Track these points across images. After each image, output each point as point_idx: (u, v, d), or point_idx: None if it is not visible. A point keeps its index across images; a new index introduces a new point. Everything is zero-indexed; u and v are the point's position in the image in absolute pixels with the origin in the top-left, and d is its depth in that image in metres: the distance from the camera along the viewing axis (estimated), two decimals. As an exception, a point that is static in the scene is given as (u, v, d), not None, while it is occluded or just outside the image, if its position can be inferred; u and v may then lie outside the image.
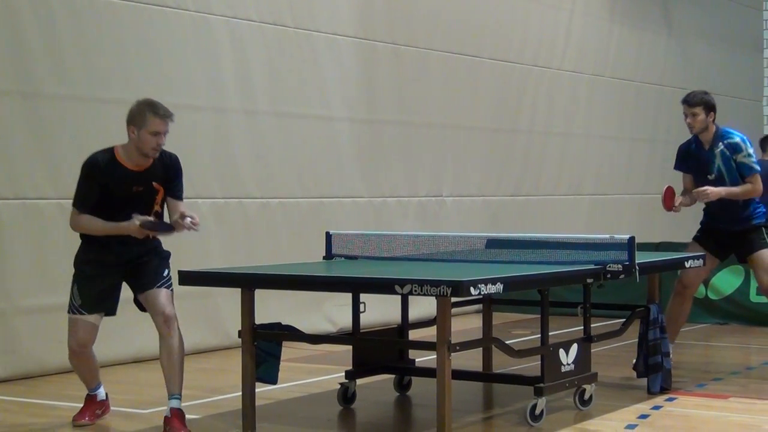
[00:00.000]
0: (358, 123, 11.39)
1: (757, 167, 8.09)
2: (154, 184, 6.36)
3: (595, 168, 15.08)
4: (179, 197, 6.46)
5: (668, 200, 8.06)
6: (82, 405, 6.69)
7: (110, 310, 6.49)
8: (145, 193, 6.34)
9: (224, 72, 9.99)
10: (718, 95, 18.13)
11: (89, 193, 6.27)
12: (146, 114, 6.23)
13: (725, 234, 8.26)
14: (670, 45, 16.82)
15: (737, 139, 8.07)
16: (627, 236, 6.93)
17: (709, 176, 8.11)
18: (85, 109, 8.83)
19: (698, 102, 8.03)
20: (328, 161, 11.02)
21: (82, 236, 6.44)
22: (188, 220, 6.25)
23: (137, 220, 6.17)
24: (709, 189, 7.98)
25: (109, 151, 6.33)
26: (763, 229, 8.22)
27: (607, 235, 7.31)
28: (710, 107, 8.04)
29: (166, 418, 6.24)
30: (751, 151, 8.07)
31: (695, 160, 8.21)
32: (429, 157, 12.28)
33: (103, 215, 6.26)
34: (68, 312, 6.43)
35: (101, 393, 6.73)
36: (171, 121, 6.32)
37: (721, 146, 8.07)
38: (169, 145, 9.85)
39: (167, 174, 6.41)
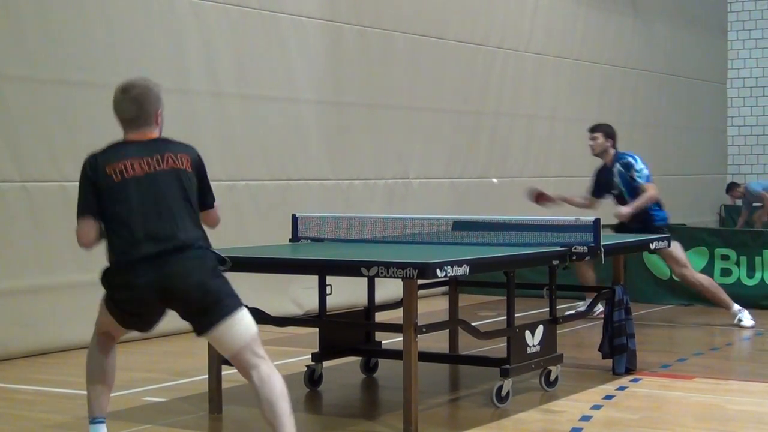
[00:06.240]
0: (325, 105, 11.36)
1: (648, 178, 9.76)
2: None
3: (560, 150, 15.12)
4: None
5: (543, 200, 10.32)
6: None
7: None
8: None
9: (189, 54, 9.94)
10: (682, 78, 18.39)
11: None
12: None
13: (635, 231, 9.40)
14: (635, 27, 16.88)
15: (629, 159, 9.86)
16: (592, 218, 6.97)
17: (613, 191, 9.93)
18: (48, 92, 8.76)
19: (598, 129, 10.04)
20: (294, 143, 10.99)
21: None
22: None
23: None
24: (623, 210, 9.64)
25: None
26: (664, 229, 9.58)
27: (573, 217, 7.34)
28: (609, 134, 9.97)
29: None
30: (640, 166, 9.77)
31: (603, 179, 10.02)
32: (395, 139, 12.27)
33: None
34: None
35: None
36: None
37: (618, 166, 9.84)
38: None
39: None
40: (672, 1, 17.97)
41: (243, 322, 5.02)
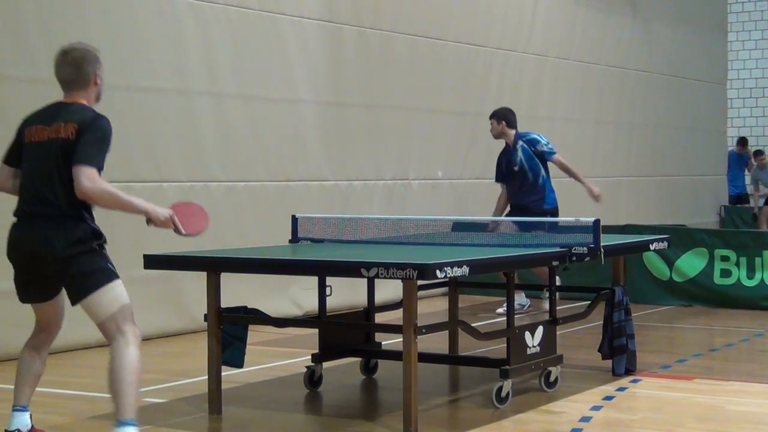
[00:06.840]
0: (324, 106, 11.36)
1: (555, 150, 10.64)
2: None
3: (559, 151, 15.08)
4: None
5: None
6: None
7: None
8: None
9: (189, 55, 9.93)
10: (682, 78, 18.40)
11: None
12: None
13: (533, 209, 10.17)
14: (634, 28, 16.88)
15: (534, 136, 10.68)
16: (592, 219, 6.96)
17: (514, 168, 10.51)
18: (48, 92, 8.70)
19: (492, 116, 10.69)
20: (293, 144, 10.99)
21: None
22: None
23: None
24: (596, 190, 10.70)
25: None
26: (550, 214, 10.22)
27: (573, 218, 7.34)
28: (501, 117, 10.61)
29: None
30: (545, 141, 10.60)
31: (505, 159, 10.59)
32: (395, 140, 12.27)
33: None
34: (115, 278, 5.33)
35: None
36: None
37: (521, 143, 10.54)
38: (134, 127, 9.83)
39: None
40: (671, 2, 17.96)
41: (109, 295, 5.22)
